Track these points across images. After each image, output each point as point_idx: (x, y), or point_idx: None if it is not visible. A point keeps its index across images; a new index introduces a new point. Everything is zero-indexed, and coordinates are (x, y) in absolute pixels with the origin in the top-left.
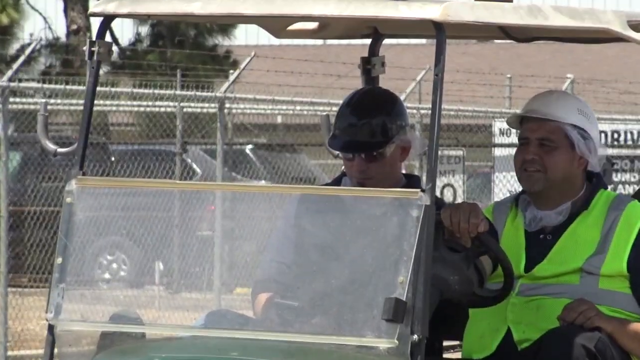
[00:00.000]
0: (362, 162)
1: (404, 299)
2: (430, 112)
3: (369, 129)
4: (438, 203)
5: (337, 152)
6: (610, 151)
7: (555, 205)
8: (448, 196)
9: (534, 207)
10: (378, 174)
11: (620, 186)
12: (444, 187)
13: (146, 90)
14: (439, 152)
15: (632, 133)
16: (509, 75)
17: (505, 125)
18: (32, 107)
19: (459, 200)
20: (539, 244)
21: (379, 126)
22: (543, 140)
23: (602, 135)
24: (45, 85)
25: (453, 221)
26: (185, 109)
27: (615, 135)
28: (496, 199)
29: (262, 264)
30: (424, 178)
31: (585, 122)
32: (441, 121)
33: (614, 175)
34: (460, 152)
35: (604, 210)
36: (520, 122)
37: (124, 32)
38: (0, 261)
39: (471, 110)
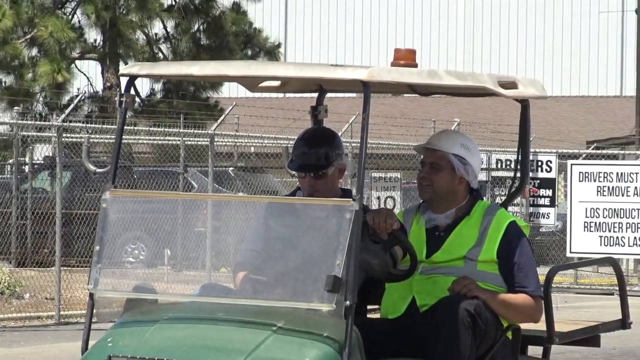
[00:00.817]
0: (311, 179)
1: (340, 276)
2: (359, 144)
3: (316, 156)
4: (365, 209)
5: (294, 173)
6: (497, 173)
7: (444, 211)
8: (390, 204)
9: (430, 212)
10: (323, 189)
11: (498, 198)
12: (387, 198)
13: (159, 129)
14: (382, 174)
15: (501, 161)
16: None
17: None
18: (78, 140)
19: (399, 206)
20: (435, 238)
21: (323, 154)
22: (433, 164)
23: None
24: (88, 125)
25: (375, 221)
26: (186, 142)
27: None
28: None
29: (240, 251)
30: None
31: (465, 153)
32: (366, 151)
33: (494, 190)
34: (398, 174)
35: (481, 215)
36: (422, 150)
37: (144, 87)
38: (56, 248)
39: (386, 143)
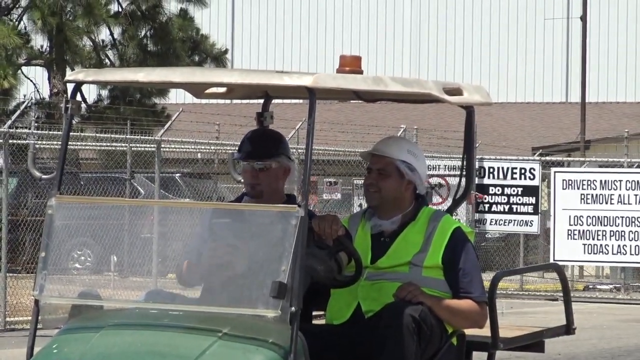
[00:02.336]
0: (254, 172)
1: (285, 282)
2: (304, 150)
3: (260, 149)
4: (311, 214)
5: (240, 178)
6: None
7: (390, 217)
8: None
9: (376, 217)
10: (266, 185)
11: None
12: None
13: (105, 135)
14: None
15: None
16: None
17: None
18: (25, 146)
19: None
20: (380, 244)
21: (268, 148)
22: (380, 170)
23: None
24: (35, 131)
25: (320, 227)
26: (133, 148)
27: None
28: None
29: (185, 254)
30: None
31: (412, 159)
32: (312, 157)
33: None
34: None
35: (426, 221)
36: (368, 157)
37: (90, 93)
38: (1, 254)
39: (333, 149)
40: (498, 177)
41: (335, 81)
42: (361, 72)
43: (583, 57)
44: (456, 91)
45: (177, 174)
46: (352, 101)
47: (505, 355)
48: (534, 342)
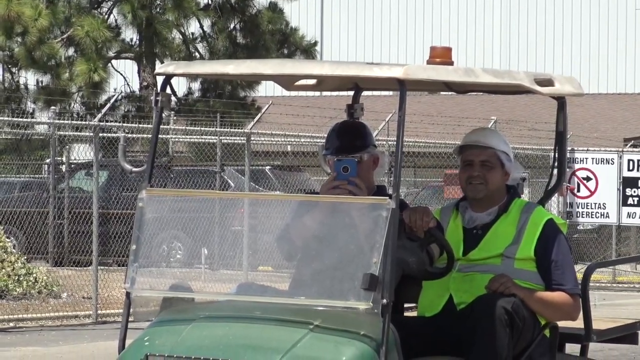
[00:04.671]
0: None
1: (377, 274)
2: (395, 142)
3: (348, 143)
4: (403, 205)
5: (329, 170)
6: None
7: (486, 209)
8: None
9: (471, 210)
10: (359, 175)
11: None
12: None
13: (195, 128)
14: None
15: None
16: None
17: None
18: (115, 139)
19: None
20: (473, 236)
21: (354, 141)
22: (484, 162)
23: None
24: (124, 124)
25: (411, 219)
26: (223, 141)
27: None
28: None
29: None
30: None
31: (508, 149)
32: (402, 149)
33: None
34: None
35: (518, 213)
36: (460, 149)
37: (180, 86)
38: (93, 247)
39: (423, 142)
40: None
41: (426, 72)
42: (452, 64)
43: None
44: (547, 82)
45: (267, 167)
46: (442, 93)
47: (598, 348)
48: (627, 333)
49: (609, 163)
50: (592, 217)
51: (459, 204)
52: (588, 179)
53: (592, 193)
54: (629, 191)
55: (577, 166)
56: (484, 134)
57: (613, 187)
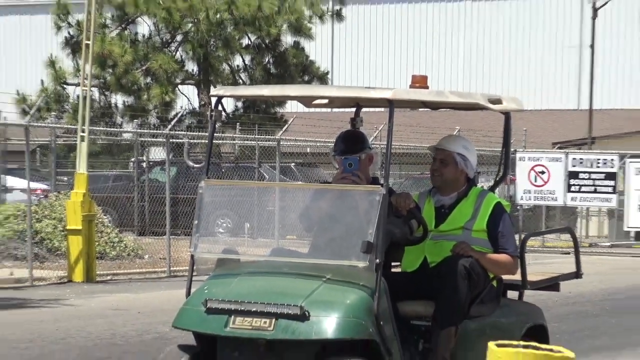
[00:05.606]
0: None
1: (372, 241)
2: (385, 145)
3: (351, 146)
4: (391, 191)
5: (337, 166)
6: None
7: (449, 194)
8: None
9: (439, 194)
10: (360, 169)
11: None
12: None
13: (240, 135)
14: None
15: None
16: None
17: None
18: (181, 144)
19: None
20: (441, 214)
21: (355, 145)
22: (442, 160)
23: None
24: (188, 133)
25: (397, 202)
26: (260, 145)
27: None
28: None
29: (301, 217)
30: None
31: (465, 152)
32: (391, 151)
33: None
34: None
35: (475, 197)
36: (434, 150)
37: (229, 105)
38: (166, 222)
39: (406, 145)
40: (584, 165)
41: (409, 94)
42: (427, 87)
43: (591, 75)
44: (497, 101)
45: (292, 164)
46: (420, 109)
47: (530, 294)
48: (552, 284)
49: (558, 161)
50: (545, 201)
51: (431, 190)
52: (542, 172)
53: (545, 183)
54: (572, 181)
55: (534, 163)
56: (447, 140)
57: (561, 178)
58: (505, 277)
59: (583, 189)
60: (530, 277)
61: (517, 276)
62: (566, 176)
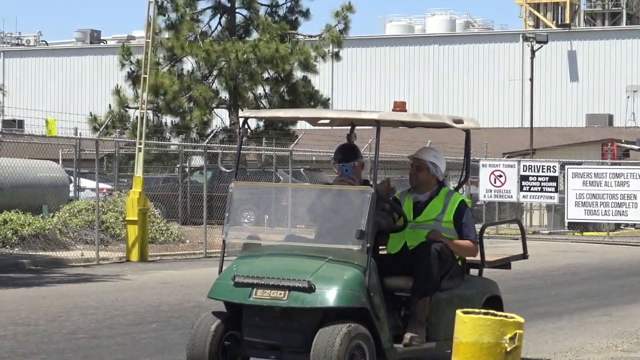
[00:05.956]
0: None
1: (364, 230)
2: (374, 155)
3: (347, 155)
4: (379, 193)
5: (336, 171)
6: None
7: (424, 192)
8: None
9: (416, 193)
10: (354, 174)
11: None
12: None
13: (261, 147)
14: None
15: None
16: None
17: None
18: (216, 153)
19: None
20: (418, 208)
21: (350, 154)
22: (417, 166)
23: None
24: (221, 145)
25: (380, 189)
26: (277, 154)
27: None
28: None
29: (308, 210)
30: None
31: (435, 160)
32: (378, 159)
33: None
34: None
35: (444, 196)
36: (412, 158)
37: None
38: (203, 214)
39: (390, 154)
40: (533, 171)
41: (392, 116)
42: (406, 111)
43: (531, 100)
44: (460, 121)
45: (302, 169)
46: (400, 127)
47: (488, 271)
48: (505, 263)
49: (512, 167)
50: (503, 198)
51: (410, 189)
52: (500, 176)
53: (502, 184)
54: (523, 183)
55: (494, 169)
56: (421, 151)
57: (514, 180)
58: (468, 258)
59: (532, 189)
60: (488, 258)
61: (477, 257)
62: (519, 179)
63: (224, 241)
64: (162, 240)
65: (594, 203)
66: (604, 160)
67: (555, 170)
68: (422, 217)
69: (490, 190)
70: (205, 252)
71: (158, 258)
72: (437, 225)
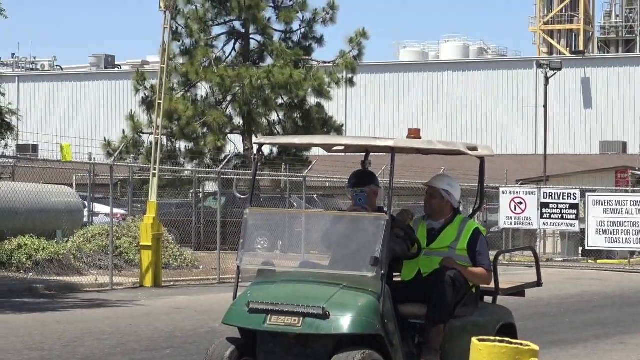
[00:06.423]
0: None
1: (378, 257)
2: (389, 181)
3: (361, 180)
4: (393, 218)
5: (350, 197)
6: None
7: (438, 219)
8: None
9: (430, 220)
10: (367, 203)
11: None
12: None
13: (274, 172)
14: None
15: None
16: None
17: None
18: (230, 179)
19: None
20: (432, 235)
21: (365, 180)
22: (431, 194)
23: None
24: (235, 170)
25: (402, 219)
26: (290, 180)
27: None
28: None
29: (321, 238)
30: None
31: (449, 188)
32: (393, 185)
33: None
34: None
35: (459, 223)
36: (426, 186)
37: (266, 149)
38: (217, 240)
39: (404, 181)
40: (553, 198)
41: (406, 143)
42: (420, 138)
43: (545, 127)
44: (474, 148)
45: (316, 195)
46: (413, 154)
47: (501, 299)
48: (519, 290)
49: (532, 194)
50: (523, 225)
51: (424, 216)
52: (520, 203)
53: (522, 211)
54: (544, 210)
55: (514, 196)
56: (435, 178)
57: (535, 208)
58: (482, 286)
59: (552, 216)
60: (502, 285)
61: (492, 284)
62: (539, 206)
63: (238, 267)
64: (175, 265)
65: (615, 231)
66: (624, 188)
67: (575, 197)
68: (436, 245)
69: (511, 218)
70: (219, 278)
71: (172, 284)
72: (451, 253)
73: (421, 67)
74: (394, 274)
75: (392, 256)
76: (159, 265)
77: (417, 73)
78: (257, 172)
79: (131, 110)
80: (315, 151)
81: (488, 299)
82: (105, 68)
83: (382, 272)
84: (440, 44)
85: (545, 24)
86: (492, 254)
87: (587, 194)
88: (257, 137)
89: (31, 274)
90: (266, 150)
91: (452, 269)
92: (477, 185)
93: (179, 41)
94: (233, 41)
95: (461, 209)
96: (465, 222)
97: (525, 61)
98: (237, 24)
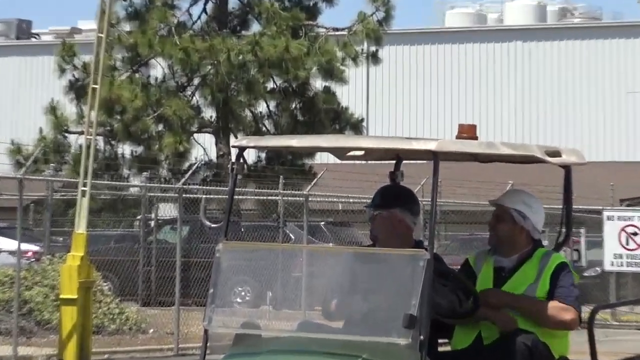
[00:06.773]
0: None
1: (415, 315)
2: (430, 203)
3: (383, 201)
4: (437, 257)
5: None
6: None
7: (508, 255)
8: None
9: (498, 255)
10: (379, 229)
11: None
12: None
13: (263, 190)
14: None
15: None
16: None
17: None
18: (196, 199)
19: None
20: (500, 278)
21: (388, 200)
22: (497, 215)
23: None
24: (204, 187)
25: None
26: (285, 200)
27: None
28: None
29: (330, 292)
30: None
31: (525, 208)
32: (437, 209)
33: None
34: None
35: (539, 259)
36: (493, 205)
37: (250, 155)
38: (175, 290)
39: (452, 201)
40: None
41: (456, 146)
42: (476, 138)
43: None
44: (556, 153)
45: (322, 222)
46: (468, 161)
47: None
48: None
49: None
50: (639, 267)
51: (489, 250)
52: (635, 234)
53: (639, 246)
54: None
55: (625, 223)
56: (506, 195)
57: None
58: (571, 356)
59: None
60: (601, 358)
61: (586, 356)
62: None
63: (206, 331)
64: (112, 329)
65: None
66: None
67: None
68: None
69: (621, 255)
70: (177, 348)
71: (106, 356)
72: None
73: (477, 35)
74: (440, 340)
75: (436, 314)
76: (88, 328)
77: (471, 44)
78: (237, 190)
79: (52, 99)
80: (322, 158)
81: None
82: (18, 38)
83: (422, 337)
84: (505, 3)
85: None
86: (586, 310)
87: None
88: (236, 137)
89: None
90: (250, 156)
91: (529, 332)
92: (561, 207)
93: (125, 0)
94: (203, 0)
95: (545, 242)
96: (548, 256)
97: (629, 27)
98: None
